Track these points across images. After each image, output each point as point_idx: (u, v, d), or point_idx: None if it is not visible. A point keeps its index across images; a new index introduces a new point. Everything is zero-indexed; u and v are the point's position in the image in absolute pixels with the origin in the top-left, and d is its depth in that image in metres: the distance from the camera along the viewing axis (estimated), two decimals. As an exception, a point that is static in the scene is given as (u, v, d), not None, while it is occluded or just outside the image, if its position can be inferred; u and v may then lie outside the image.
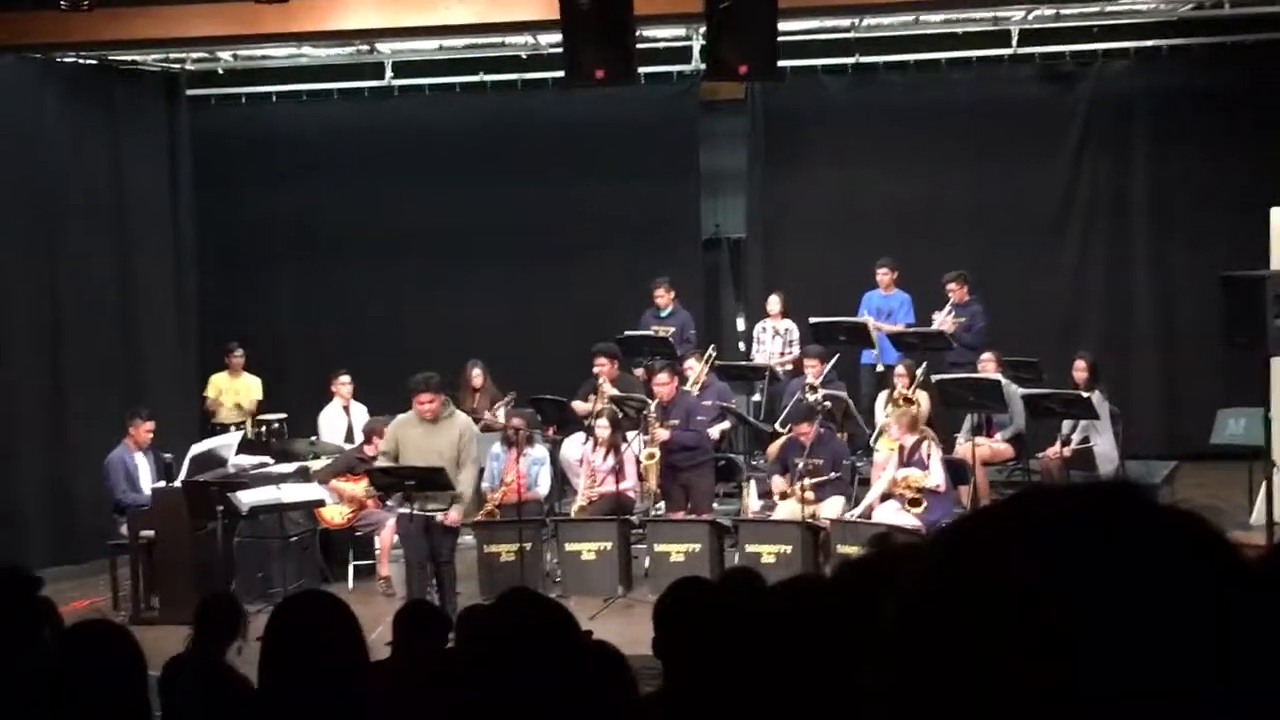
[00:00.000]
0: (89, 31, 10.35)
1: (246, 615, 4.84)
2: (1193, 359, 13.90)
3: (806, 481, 10.71)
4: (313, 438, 12.74)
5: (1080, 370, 11.68)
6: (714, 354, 12.78)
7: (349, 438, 12.71)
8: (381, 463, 10.12)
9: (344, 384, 12.97)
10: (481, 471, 11.55)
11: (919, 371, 11.79)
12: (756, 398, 13.18)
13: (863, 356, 13.23)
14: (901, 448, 10.80)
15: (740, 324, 14.81)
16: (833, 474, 10.87)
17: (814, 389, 11.98)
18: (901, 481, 10.62)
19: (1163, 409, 14.12)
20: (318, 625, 3.30)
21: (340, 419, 12.96)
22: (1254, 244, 11.14)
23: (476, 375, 12.86)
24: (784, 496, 10.93)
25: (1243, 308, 9.41)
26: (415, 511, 9.79)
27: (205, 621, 4.66)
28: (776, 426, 11.73)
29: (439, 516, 9.80)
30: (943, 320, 12.63)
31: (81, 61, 12.72)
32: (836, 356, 12.46)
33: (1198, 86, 14.04)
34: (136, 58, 13.13)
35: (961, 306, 12.88)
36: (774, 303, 13.67)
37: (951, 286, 12.90)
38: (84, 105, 12.80)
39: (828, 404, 11.51)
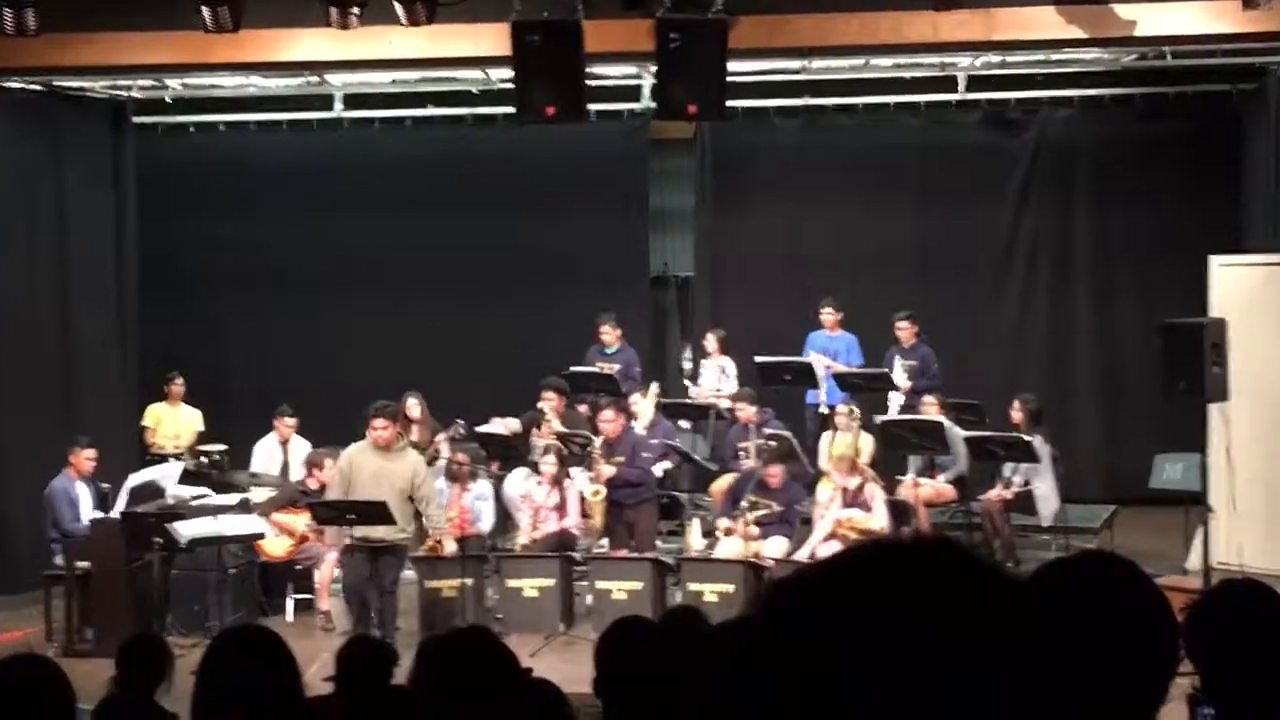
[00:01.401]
0: (35, 57, 10.24)
1: (172, 655, 4.76)
2: (1132, 404, 14.04)
3: (750, 515, 10.70)
4: (254, 470, 12.63)
5: (1017, 412, 11.76)
6: (659, 392, 12.77)
7: (284, 473, 12.59)
8: (333, 491, 10.10)
9: (287, 424, 12.81)
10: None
11: (852, 410, 11.84)
12: (686, 428, 13.18)
13: (807, 396, 13.27)
14: (844, 489, 10.84)
15: (686, 362, 14.84)
16: (778, 507, 10.87)
17: (756, 429, 12.03)
18: (845, 523, 10.65)
19: (1102, 453, 14.26)
20: (252, 661, 3.26)
21: (275, 453, 12.82)
22: (1193, 291, 11.31)
23: (413, 406, 12.76)
24: (729, 533, 10.92)
25: (1181, 355, 9.54)
26: (359, 543, 9.84)
27: (129, 663, 4.57)
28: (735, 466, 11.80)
29: (445, 550, 10.14)
30: (902, 381, 12.56)
31: (27, 87, 12.62)
32: (767, 412, 12.46)
33: (1140, 135, 14.26)
34: (83, 84, 13.03)
35: (910, 349, 12.94)
36: (711, 341, 13.70)
37: (902, 325, 12.95)
38: (28, 131, 12.67)
39: (772, 443, 11.53)
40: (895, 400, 12.63)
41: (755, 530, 10.72)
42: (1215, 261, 11.07)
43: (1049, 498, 11.56)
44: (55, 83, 12.72)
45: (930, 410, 11.85)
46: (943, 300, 14.17)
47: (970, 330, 14.30)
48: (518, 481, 12.08)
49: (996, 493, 11.50)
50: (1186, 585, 9.91)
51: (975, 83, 14.02)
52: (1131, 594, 2.03)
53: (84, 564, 10.40)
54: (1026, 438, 11.33)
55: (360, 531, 9.84)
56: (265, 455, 12.84)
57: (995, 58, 13.11)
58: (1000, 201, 14.67)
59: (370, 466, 9.91)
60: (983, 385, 13.17)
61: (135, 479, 11.34)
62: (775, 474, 10.94)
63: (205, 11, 9.29)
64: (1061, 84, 14.20)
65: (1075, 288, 14.61)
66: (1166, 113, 14.18)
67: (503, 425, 12.16)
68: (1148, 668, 1.96)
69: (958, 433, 11.70)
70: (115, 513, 10.61)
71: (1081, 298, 14.60)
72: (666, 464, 12.28)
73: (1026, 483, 11.58)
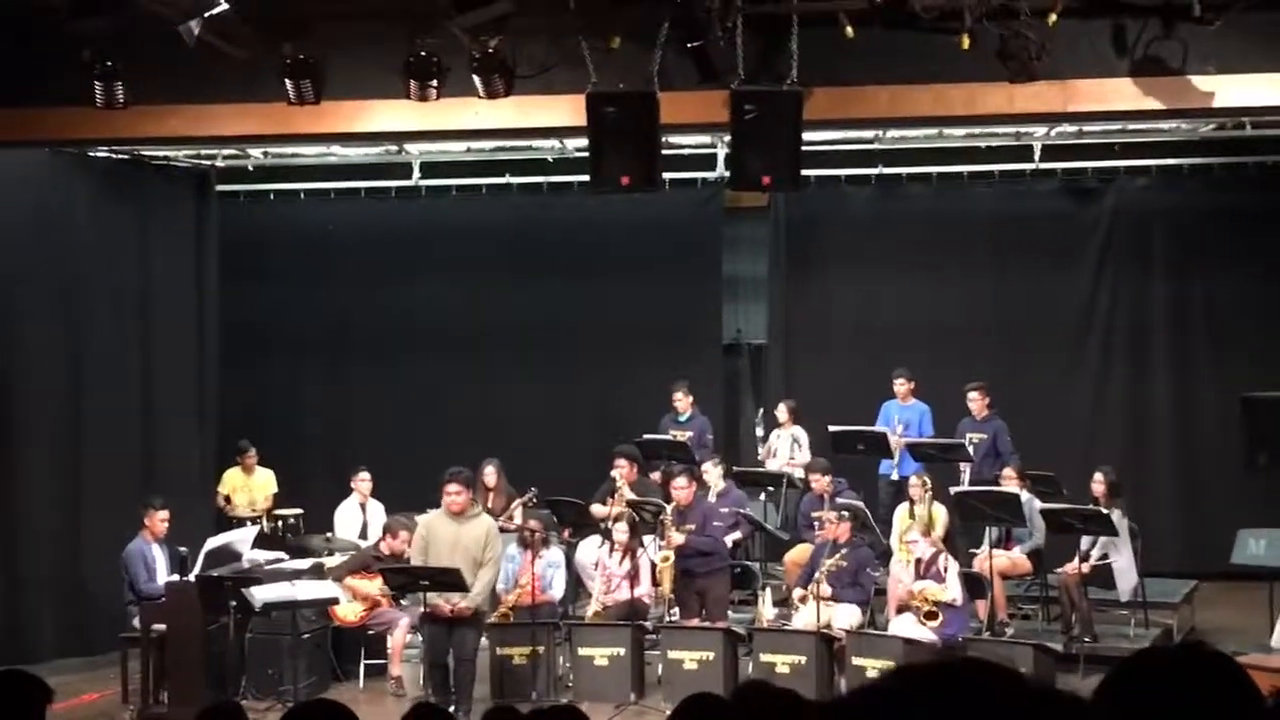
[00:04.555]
0: (123, 128, 10.46)
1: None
2: (1213, 477, 13.81)
3: (821, 575, 10.61)
4: (328, 534, 12.72)
5: (1098, 484, 11.60)
6: (720, 464, 12.66)
7: (364, 534, 12.70)
8: (413, 559, 10.14)
9: (363, 481, 12.98)
10: (497, 573, 11.53)
11: (924, 481, 11.76)
12: (762, 497, 13.13)
13: (880, 466, 13.19)
14: (919, 560, 10.73)
15: (759, 430, 14.79)
16: (845, 564, 10.76)
17: (829, 499, 11.95)
18: (918, 594, 10.54)
19: (1182, 526, 14.00)
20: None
21: (356, 516, 12.95)
22: (1274, 363, 11.14)
23: (489, 474, 12.78)
24: (804, 600, 10.83)
25: (1263, 428, 9.40)
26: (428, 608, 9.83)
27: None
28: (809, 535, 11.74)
29: (451, 605, 9.78)
30: (1008, 476, 12.22)
31: (114, 156, 12.91)
32: (840, 482, 12.41)
33: (1218, 205, 14.12)
34: (168, 153, 13.32)
35: (982, 421, 12.83)
36: (782, 411, 13.68)
37: (973, 397, 12.86)
38: (115, 199, 12.96)
39: (845, 513, 11.45)
40: (966, 471, 12.51)
41: (828, 590, 10.61)
42: (1297, 333, 10.92)
43: (1127, 572, 11.37)
44: (141, 152, 13.01)
45: (1010, 483, 11.73)
46: (1020, 369, 14.07)
47: (1047, 401, 14.14)
48: (590, 549, 12.09)
49: (1074, 566, 11.32)
50: (1271, 664, 9.71)
51: (1051, 152, 13.98)
52: (1230, 696, 1.96)
53: (160, 626, 10.49)
54: (1105, 510, 11.17)
55: (435, 600, 9.85)
56: (346, 519, 12.95)
57: (1071, 128, 13.07)
58: (1076, 271, 14.55)
59: (447, 534, 9.95)
60: (1059, 457, 13.01)
61: (212, 543, 11.45)
62: (834, 522, 10.87)
63: (288, 84, 9.47)
64: (1139, 153, 14.12)
65: (1153, 359, 14.43)
66: (1246, 182, 14.04)
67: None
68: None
69: (1035, 505, 11.56)
70: (191, 576, 10.72)
71: (1160, 369, 14.41)
72: (737, 534, 12.22)
73: (1105, 556, 11.40)
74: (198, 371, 13.70)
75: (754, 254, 15.45)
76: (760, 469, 13.58)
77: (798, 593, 10.98)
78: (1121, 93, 9.82)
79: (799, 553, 11.74)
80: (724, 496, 12.12)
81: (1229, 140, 13.46)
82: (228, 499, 13.69)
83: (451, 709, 9.51)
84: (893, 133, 13.46)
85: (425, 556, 9.97)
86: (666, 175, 11.61)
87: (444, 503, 10.01)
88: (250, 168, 14.35)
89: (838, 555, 10.73)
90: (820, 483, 12.14)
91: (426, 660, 10.14)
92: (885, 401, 13.40)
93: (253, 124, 10.63)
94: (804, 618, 10.72)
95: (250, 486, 13.75)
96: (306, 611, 10.75)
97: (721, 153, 13.62)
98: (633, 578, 11.19)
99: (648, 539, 11.53)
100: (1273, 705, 2.53)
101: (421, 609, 10.20)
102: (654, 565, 11.39)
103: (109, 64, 9.44)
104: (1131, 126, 13.05)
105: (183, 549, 10.95)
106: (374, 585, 11.17)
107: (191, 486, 13.26)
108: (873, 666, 10.02)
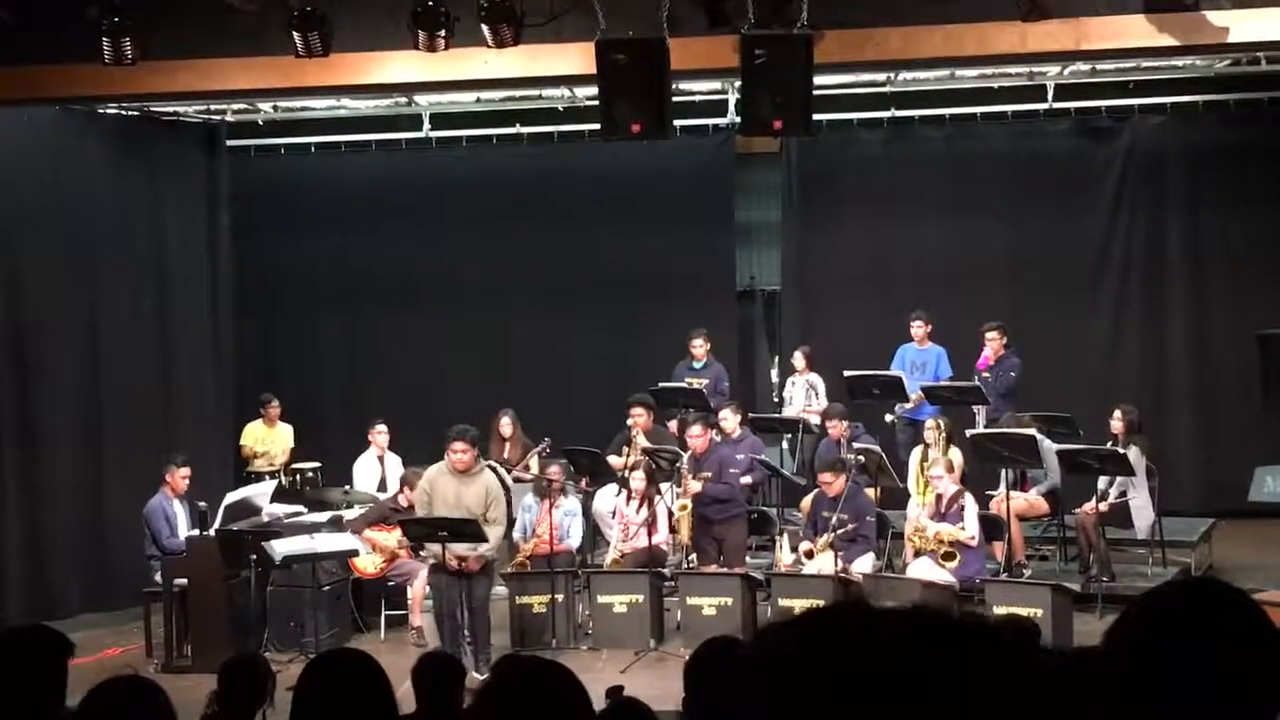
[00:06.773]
0: (132, 84, 10.44)
1: (274, 675, 4.82)
2: (1230, 415, 13.79)
3: (829, 536, 10.62)
4: (346, 487, 12.78)
5: (1118, 421, 11.59)
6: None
7: (382, 487, 12.75)
8: (417, 511, 10.15)
9: (381, 433, 13.03)
10: (513, 522, 11.57)
11: (939, 424, 11.75)
12: (784, 444, 13.13)
13: (896, 409, 13.18)
14: (939, 496, 10.74)
15: (774, 376, 14.77)
16: (850, 525, 10.74)
17: (846, 444, 11.95)
18: (934, 537, 10.56)
19: (1200, 465, 14.00)
20: (348, 684, 3.31)
21: (374, 468, 13.01)
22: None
23: (505, 424, 12.86)
24: (809, 555, 10.86)
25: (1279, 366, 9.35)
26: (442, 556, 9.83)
27: (232, 684, 4.64)
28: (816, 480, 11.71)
29: (462, 556, 9.78)
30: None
31: (124, 112, 12.89)
32: (857, 427, 12.39)
33: (1234, 142, 14.01)
34: (178, 109, 13.30)
35: (998, 361, 12.80)
36: (799, 358, 13.66)
37: (991, 336, 12.82)
38: (125, 155, 12.95)
39: (861, 458, 11.46)
40: (980, 413, 12.50)
41: (829, 553, 10.62)
42: (1314, 270, 10.87)
43: (1144, 509, 11.38)
44: (151, 108, 12.99)
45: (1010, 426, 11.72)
46: (1034, 311, 14.01)
47: (1063, 341, 14.11)
48: (607, 498, 12.13)
49: (1091, 506, 11.33)
50: (1288, 601, 9.73)
51: (1064, 91, 13.87)
52: (1248, 630, 1.96)
53: (182, 581, 10.59)
54: (1121, 450, 11.16)
55: (442, 553, 9.85)
56: (364, 471, 13.01)
57: (1084, 66, 12.96)
58: (1092, 210, 14.48)
59: (449, 490, 9.90)
60: (1076, 397, 13.00)
61: (231, 497, 11.53)
62: (828, 481, 10.84)
63: (296, 37, 9.43)
64: (1153, 91, 14.00)
65: (1169, 297, 14.37)
66: (1261, 119, 13.93)
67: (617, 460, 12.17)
68: (1259, 706, 1.91)
69: (1050, 446, 11.55)
70: (211, 531, 10.79)
71: (1176, 307, 14.36)
72: (747, 479, 12.22)
73: (1123, 493, 11.40)
74: (213, 327, 13.73)
75: (767, 200, 15.41)
76: (776, 415, 13.59)
77: (804, 546, 10.98)
78: (1134, 30, 9.73)
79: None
80: (741, 443, 12.13)
81: (1244, 76, 13.34)
82: (251, 451, 13.74)
83: (471, 658, 9.59)
84: (905, 75, 13.37)
85: (429, 510, 9.95)
86: (677, 122, 11.61)
87: (449, 460, 9.95)
88: (260, 122, 14.33)
89: (840, 523, 10.67)
90: (837, 428, 12.14)
91: (437, 611, 10.16)
92: (901, 345, 13.38)
93: (262, 78, 10.60)
94: (819, 564, 10.76)
95: (271, 439, 13.81)
96: (327, 564, 10.82)
97: (732, 98, 13.54)
98: (650, 525, 11.24)
99: (665, 486, 11.56)
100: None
101: (432, 560, 10.22)
102: (671, 513, 11.43)
103: (116, 20, 9.42)
104: (1145, 64, 12.92)
105: (202, 504, 11.03)
106: (393, 537, 11.23)
107: (210, 442, 13.32)
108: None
